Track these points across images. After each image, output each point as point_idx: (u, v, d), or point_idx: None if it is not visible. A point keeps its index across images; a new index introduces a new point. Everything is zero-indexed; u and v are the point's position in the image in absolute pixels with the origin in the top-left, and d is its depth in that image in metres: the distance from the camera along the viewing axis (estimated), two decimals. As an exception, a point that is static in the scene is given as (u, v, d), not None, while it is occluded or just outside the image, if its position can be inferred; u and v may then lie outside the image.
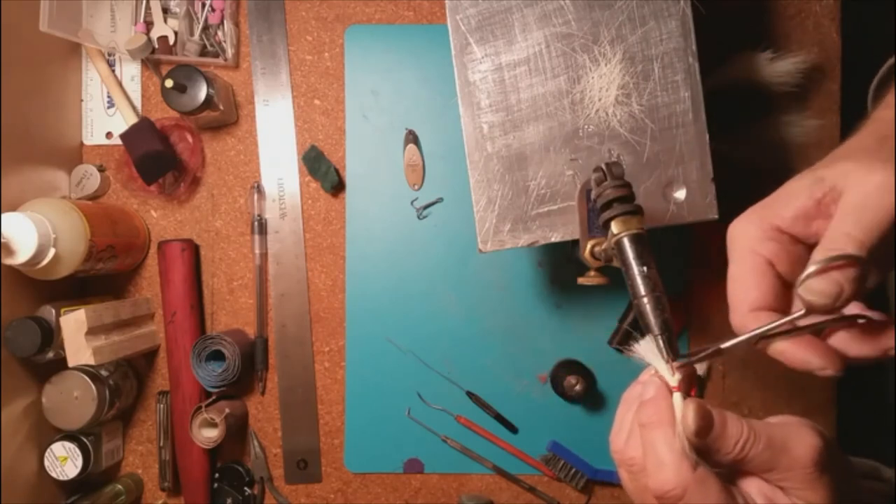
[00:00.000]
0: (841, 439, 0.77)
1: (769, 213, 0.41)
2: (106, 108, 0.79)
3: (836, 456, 0.36)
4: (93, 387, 0.69)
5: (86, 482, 0.73)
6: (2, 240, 0.61)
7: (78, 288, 0.78)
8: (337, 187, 0.78)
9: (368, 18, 0.79)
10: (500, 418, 0.78)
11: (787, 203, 0.40)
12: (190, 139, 0.78)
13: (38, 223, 0.63)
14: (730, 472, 0.38)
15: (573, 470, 0.76)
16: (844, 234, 0.36)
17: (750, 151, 0.73)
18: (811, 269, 0.35)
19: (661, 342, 0.40)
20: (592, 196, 0.50)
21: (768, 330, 0.37)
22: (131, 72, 0.79)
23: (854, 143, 0.43)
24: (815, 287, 0.35)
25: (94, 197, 0.79)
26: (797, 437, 0.36)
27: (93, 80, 0.79)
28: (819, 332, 0.38)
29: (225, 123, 0.79)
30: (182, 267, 0.76)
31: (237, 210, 0.79)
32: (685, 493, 0.35)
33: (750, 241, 0.41)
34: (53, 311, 0.69)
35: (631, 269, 0.43)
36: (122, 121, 0.77)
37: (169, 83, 0.70)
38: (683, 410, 0.36)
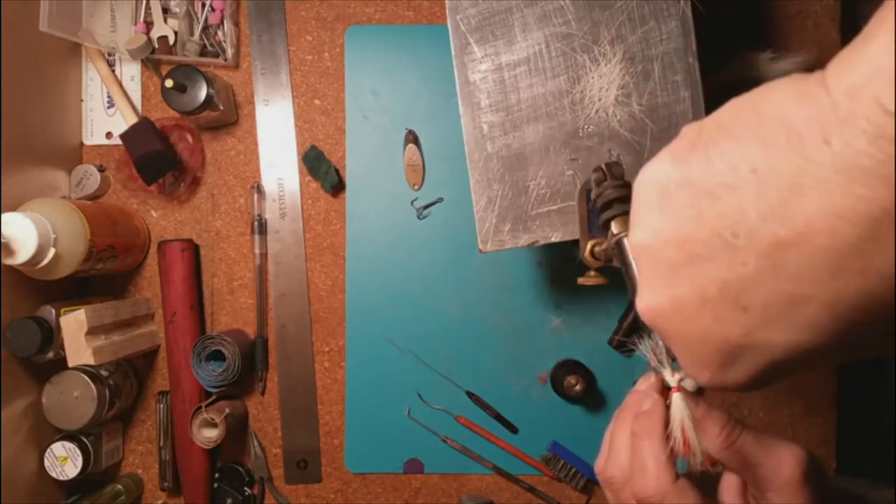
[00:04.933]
0: (841, 440, 0.77)
1: None
2: (106, 108, 0.79)
3: (821, 477, 0.38)
4: (93, 387, 0.69)
5: (86, 482, 0.73)
6: (2, 240, 0.61)
7: (78, 288, 0.78)
8: (337, 187, 0.78)
9: (368, 18, 0.79)
10: (500, 418, 0.78)
11: None
12: (190, 139, 0.78)
13: (38, 223, 0.63)
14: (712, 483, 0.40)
15: (573, 470, 0.76)
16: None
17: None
18: None
19: (660, 342, 0.40)
20: (592, 196, 0.50)
21: None
22: (131, 72, 0.79)
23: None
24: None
25: (94, 197, 0.79)
26: (785, 445, 0.38)
27: (93, 80, 0.79)
28: None
29: (225, 123, 0.79)
30: (182, 267, 0.76)
31: (237, 210, 0.79)
32: (663, 501, 0.37)
33: None
34: (53, 311, 0.69)
35: (631, 269, 0.43)
36: (122, 121, 0.77)
37: (169, 83, 0.70)
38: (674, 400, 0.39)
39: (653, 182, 0.28)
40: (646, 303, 0.28)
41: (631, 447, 0.40)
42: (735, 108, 0.25)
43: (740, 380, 0.27)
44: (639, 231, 0.28)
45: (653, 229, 0.27)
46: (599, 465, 0.42)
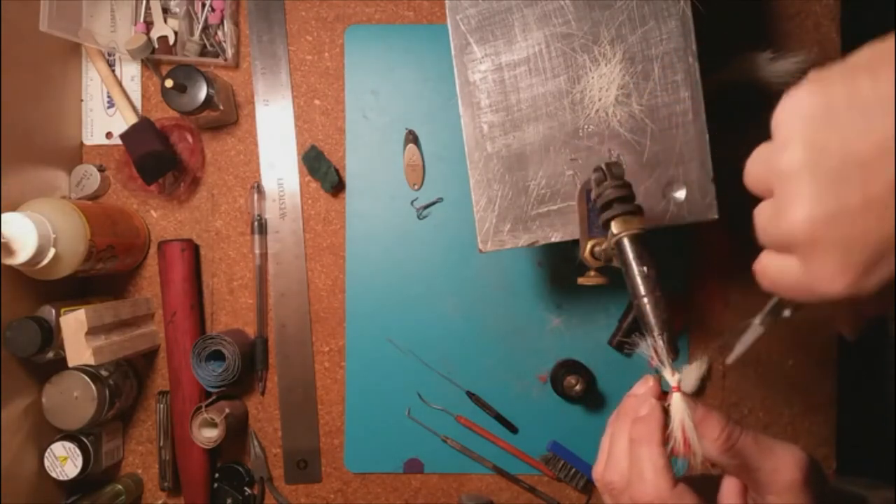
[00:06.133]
0: (841, 440, 0.77)
1: None
2: (106, 108, 0.79)
3: (821, 480, 0.39)
4: (93, 387, 0.69)
5: (86, 482, 0.73)
6: (2, 240, 0.61)
7: (78, 288, 0.78)
8: (337, 187, 0.78)
9: (368, 18, 0.79)
10: (500, 418, 0.78)
11: None
12: (190, 139, 0.78)
13: (38, 223, 0.63)
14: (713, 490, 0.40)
15: (573, 470, 0.76)
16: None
17: (750, 152, 0.73)
18: None
19: (661, 342, 0.40)
20: (592, 196, 0.50)
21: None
22: (131, 72, 0.79)
23: None
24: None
25: (94, 197, 0.79)
26: (785, 447, 0.38)
27: (93, 80, 0.79)
28: None
29: (225, 123, 0.79)
30: (182, 267, 0.76)
31: (237, 210, 0.79)
32: None
33: None
34: (53, 311, 0.69)
35: (631, 269, 0.43)
36: (122, 121, 0.77)
37: (169, 83, 0.70)
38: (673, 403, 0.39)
39: (809, 106, 0.29)
40: (806, 214, 0.29)
41: (629, 453, 0.40)
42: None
43: (878, 283, 0.29)
44: (793, 152, 0.30)
45: (813, 146, 0.29)
46: (598, 471, 0.42)
